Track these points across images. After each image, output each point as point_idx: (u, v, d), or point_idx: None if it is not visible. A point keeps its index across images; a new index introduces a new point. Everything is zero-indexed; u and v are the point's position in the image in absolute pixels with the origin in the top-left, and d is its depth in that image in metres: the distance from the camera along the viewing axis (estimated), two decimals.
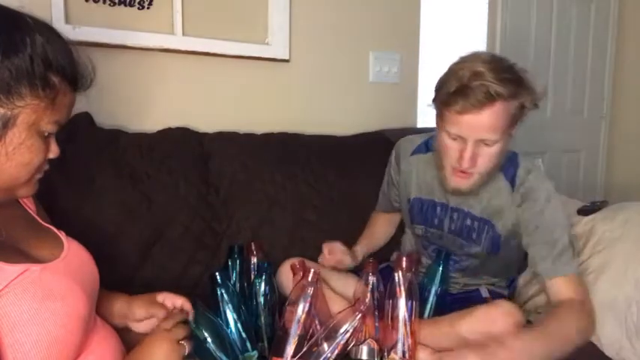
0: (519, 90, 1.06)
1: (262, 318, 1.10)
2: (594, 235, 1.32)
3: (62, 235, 0.85)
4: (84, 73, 0.76)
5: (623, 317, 1.17)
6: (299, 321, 0.96)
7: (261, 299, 1.12)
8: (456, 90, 1.05)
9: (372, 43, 1.87)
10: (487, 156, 1.10)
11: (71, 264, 0.80)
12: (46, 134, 0.73)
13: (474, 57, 1.09)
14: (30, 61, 0.68)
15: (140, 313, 0.93)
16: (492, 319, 1.02)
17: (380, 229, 1.53)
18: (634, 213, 1.30)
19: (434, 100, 1.15)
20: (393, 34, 1.92)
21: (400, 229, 1.52)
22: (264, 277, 1.13)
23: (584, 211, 1.40)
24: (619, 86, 2.90)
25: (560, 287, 1.13)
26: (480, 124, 1.06)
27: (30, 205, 0.87)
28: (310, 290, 0.98)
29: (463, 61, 1.10)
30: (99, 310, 0.89)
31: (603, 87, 2.87)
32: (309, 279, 1.00)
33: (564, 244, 1.15)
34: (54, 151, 0.76)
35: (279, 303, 1.14)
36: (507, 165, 1.20)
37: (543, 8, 2.50)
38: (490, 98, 1.03)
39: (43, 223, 0.86)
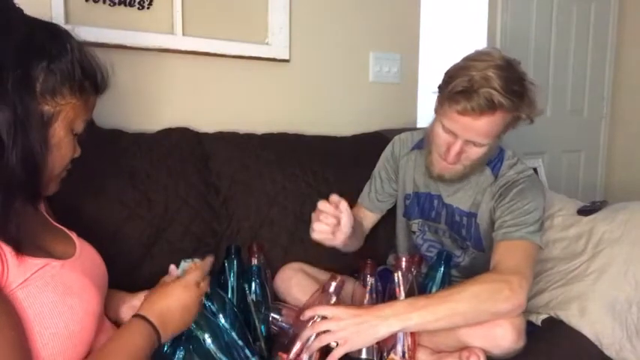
0: (521, 104, 1.07)
1: (259, 317, 1.10)
2: (594, 235, 1.32)
3: (73, 234, 0.87)
4: (105, 78, 0.83)
5: (623, 318, 1.17)
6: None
7: (258, 299, 1.12)
8: (462, 90, 1.04)
9: (372, 44, 1.87)
10: (473, 154, 1.13)
11: (85, 262, 0.83)
12: (76, 133, 0.79)
13: (489, 57, 1.08)
14: (72, 66, 0.75)
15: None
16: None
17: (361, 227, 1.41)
18: (634, 213, 1.30)
19: (440, 88, 1.15)
20: (393, 35, 1.92)
21: (392, 229, 1.49)
22: (259, 278, 1.13)
23: (584, 212, 1.40)
24: (619, 86, 2.90)
25: (504, 251, 1.07)
26: (475, 129, 1.07)
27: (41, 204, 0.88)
28: (333, 299, 0.99)
29: (478, 59, 1.08)
30: None
31: (603, 87, 2.87)
32: (333, 287, 1.00)
33: (532, 221, 1.11)
34: (77, 151, 0.83)
35: (279, 302, 1.15)
36: (495, 160, 1.23)
37: (543, 8, 2.49)
38: (492, 107, 1.04)
39: (53, 222, 0.88)
